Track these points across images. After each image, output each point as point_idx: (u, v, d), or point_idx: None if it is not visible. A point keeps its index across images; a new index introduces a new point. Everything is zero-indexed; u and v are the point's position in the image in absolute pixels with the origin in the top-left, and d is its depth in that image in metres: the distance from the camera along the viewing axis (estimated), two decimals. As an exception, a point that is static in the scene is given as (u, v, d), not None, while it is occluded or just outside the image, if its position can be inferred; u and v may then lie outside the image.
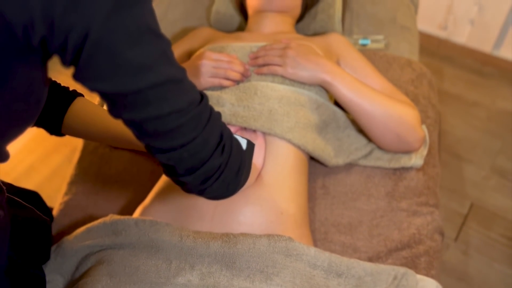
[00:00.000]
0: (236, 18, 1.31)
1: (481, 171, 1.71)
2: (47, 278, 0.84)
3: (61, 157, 1.82)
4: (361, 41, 1.27)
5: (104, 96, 0.50)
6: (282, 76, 0.97)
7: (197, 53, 1.02)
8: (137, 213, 0.91)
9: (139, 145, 0.83)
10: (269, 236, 0.78)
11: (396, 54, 1.26)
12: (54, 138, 1.80)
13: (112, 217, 0.86)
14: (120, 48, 0.46)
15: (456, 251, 1.51)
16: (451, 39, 2.05)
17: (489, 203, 1.62)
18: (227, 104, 0.93)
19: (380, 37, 1.27)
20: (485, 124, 1.85)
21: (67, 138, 1.04)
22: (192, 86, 0.56)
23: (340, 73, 0.96)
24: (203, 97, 0.58)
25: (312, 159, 1.03)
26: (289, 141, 0.91)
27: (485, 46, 2.00)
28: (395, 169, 1.03)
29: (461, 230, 1.56)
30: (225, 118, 0.92)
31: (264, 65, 0.99)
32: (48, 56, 0.50)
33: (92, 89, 0.50)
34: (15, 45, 0.46)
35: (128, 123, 0.53)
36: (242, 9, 1.25)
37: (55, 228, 1.04)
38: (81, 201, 1.08)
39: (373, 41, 1.27)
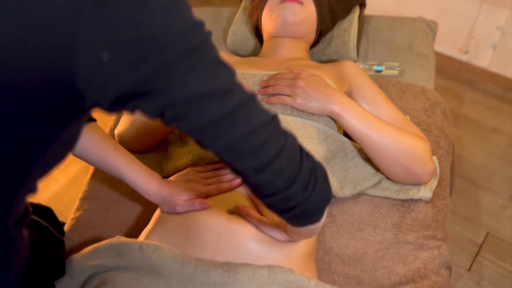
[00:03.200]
0: (252, 41, 1.33)
1: (498, 199, 1.67)
2: None
3: (79, 167, 1.86)
4: (375, 67, 1.27)
5: (195, 131, 0.52)
6: (292, 106, 0.97)
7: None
8: (142, 236, 0.93)
9: (134, 182, 0.89)
10: (269, 267, 0.78)
11: (411, 81, 1.25)
12: (73, 150, 1.85)
13: (119, 239, 0.88)
14: (204, 84, 0.49)
15: (469, 282, 1.47)
16: (473, 62, 2.03)
17: (505, 233, 1.58)
18: None
19: (395, 63, 1.27)
20: (505, 151, 1.82)
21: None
22: (262, 106, 0.58)
23: (350, 104, 0.96)
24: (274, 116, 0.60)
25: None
26: None
27: (507, 71, 1.96)
28: (403, 201, 1.02)
29: (475, 260, 1.52)
30: None
31: (274, 94, 1.00)
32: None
33: (185, 130, 0.52)
34: (78, 109, 0.48)
35: (225, 151, 0.54)
36: (258, 33, 1.27)
37: (65, 243, 1.06)
38: (92, 218, 1.10)
39: (387, 67, 1.26)
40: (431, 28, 1.42)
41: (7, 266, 0.64)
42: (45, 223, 0.90)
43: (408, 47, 1.33)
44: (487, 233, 1.58)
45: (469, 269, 1.50)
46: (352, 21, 1.28)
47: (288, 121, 0.95)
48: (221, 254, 0.82)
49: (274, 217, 0.83)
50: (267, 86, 1.01)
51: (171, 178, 0.96)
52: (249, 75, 1.04)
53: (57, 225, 1.07)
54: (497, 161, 1.79)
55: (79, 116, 0.50)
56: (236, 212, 0.86)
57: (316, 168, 0.61)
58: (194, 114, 0.50)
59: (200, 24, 0.50)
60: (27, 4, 0.42)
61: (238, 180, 0.92)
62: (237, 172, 0.58)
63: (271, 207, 0.63)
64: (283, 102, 0.97)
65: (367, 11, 1.70)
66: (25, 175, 0.52)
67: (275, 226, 0.82)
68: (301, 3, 1.13)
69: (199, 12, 1.52)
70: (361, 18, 1.33)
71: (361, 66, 1.28)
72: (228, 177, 0.92)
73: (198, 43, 0.49)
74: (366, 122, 0.95)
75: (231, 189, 0.91)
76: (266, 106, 0.91)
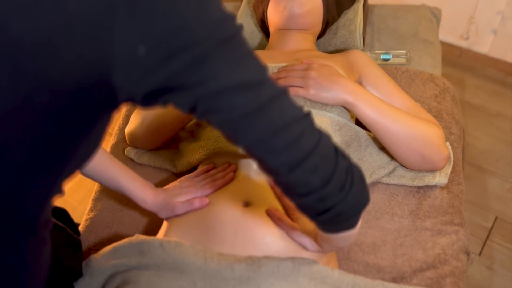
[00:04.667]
0: (257, 34, 1.32)
1: (505, 183, 1.68)
2: None
3: (85, 169, 1.85)
4: (382, 56, 1.26)
5: (229, 127, 0.52)
6: (304, 98, 0.97)
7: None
8: (160, 234, 0.93)
9: (131, 191, 0.90)
10: (293, 259, 0.78)
11: (418, 69, 1.25)
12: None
13: (138, 237, 0.87)
14: (236, 75, 0.48)
15: (480, 266, 1.48)
16: (473, 49, 2.03)
17: (514, 217, 1.59)
18: None
19: (402, 51, 1.27)
20: (509, 135, 1.82)
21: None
22: (293, 101, 0.56)
23: (363, 93, 0.96)
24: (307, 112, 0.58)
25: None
26: None
27: (508, 56, 1.97)
28: (419, 187, 1.02)
29: (485, 245, 1.53)
30: None
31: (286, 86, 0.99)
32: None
33: (218, 124, 0.51)
34: (111, 103, 0.48)
35: (257, 146, 0.53)
36: (263, 26, 1.26)
37: (81, 244, 1.06)
38: (107, 218, 1.10)
39: (394, 56, 1.26)
40: (434, 15, 1.42)
41: (35, 271, 0.63)
42: (62, 224, 0.89)
43: (414, 34, 1.33)
44: (496, 217, 1.59)
45: (479, 254, 1.51)
46: (357, 10, 1.28)
47: None
48: (241, 248, 0.82)
49: (306, 224, 0.82)
50: (278, 79, 1.01)
51: (166, 187, 0.96)
52: (259, 68, 1.04)
53: (72, 226, 1.07)
54: (502, 146, 1.79)
55: (111, 110, 0.50)
56: (268, 213, 0.84)
57: (352, 168, 0.58)
58: (226, 106, 0.49)
59: (232, 16, 0.50)
60: (62, 0, 0.41)
61: (231, 174, 0.92)
62: (269, 171, 0.56)
63: (304, 209, 0.60)
64: (296, 93, 0.97)
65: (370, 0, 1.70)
66: (58, 174, 0.52)
67: (306, 234, 0.80)
68: None
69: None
70: (366, 7, 1.33)
71: (370, 55, 1.28)
72: (221, 174, 0.93)
73: (231, 34, 0.49)
74: (380, 110, 0.95)
75: (226, 184, 0.91)
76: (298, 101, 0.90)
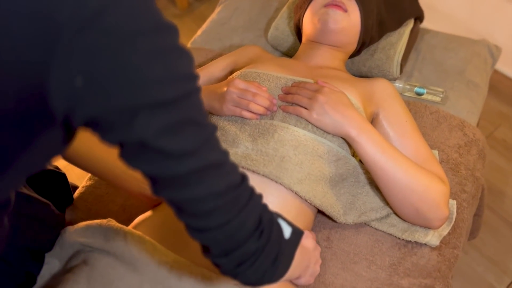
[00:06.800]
0: (291, 38, 1.27)
1: (533, 248, 1.54)
2: (47, 260, 0.89)
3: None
4: (416, 89, 1.17)
5: (146, 176, 0.53)
6: (306, 120, 0.92)
7: (229, 78, 1.00)
8: (137, 220, 0.94)
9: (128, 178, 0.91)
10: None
11: (452, 111, 1.15)
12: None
13: (109, 222, 0.89)
14: (163, 140, 0.48)
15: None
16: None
17: (531, 287, 1.46)
18: (241, 146, 0.91)
19: (439, 90, 1.17)
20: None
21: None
22: (234, 168, 0.57)
23: (368, 130, 0.90)
24: (243, 178, 0.58)
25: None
26: (296, 193, 0.87)
27: None
28: (408, 241, 0.95)
29: (489, 308, 1.43)
30: (236, 160, 0.89)
31: (292, 103, 0.95)
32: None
33: (134, 168, 0.52)
34: (50, 122, 0.48)
35: (168, 201, 0.55)
36: (298, 32, 1.21)
37: (71, 211, 1.10)
38: (100, 190, 1.13)
39: (429, 92, 1.17)
40: (492, 54, 1.29)
41: None
42: (45, 200, 0.92)
43: (460, 72, 1.22)
44: (511, 282, 1.47)
45: (480, 316, 1.41)
46: (402, 35, 1.19)
47: (299, 135, 0.91)
48: (202, 258, 0.82)
49: None
50: (288, 94, 0.97)
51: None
52: (274, 77, 1.00)
53: (67, 192, 1.11)
54: (543, 207, 1.64)
55: (51, 128, 0.49)
56: None
57: (264, 251, 0.59)
58: (146, 162, 0.50)
59: (187, 78, 0.49)
60: (9, 21, 0.41)
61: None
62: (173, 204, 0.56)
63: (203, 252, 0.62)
64: (299, 114, 0.93)
65: (430, 20, 1.57)
66: None
67: None
68: (346, 11, 1.06)
69: (250, -3, 1.47)
70: (414, 32, 1.23)
71: (401, 85, 1.19)
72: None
73: (172, 98, 0.47)
74: (381, 152, 0.89)
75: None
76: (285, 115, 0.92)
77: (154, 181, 0.53)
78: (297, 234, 0.65)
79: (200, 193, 0.52)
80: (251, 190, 0.59)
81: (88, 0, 0.42)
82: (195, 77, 0.50)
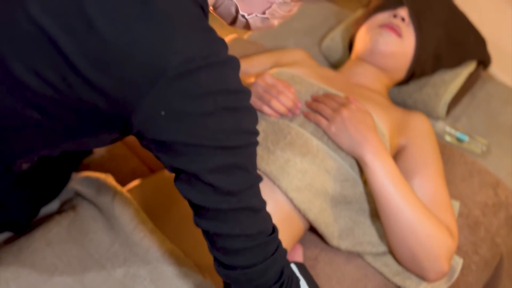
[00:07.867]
0: (343, 52, 1.24)
1: None
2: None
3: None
4: (458, 134, 1.09)
5: (192, 204, 0.60)
6: (324, 131, 0.89)
7: (261, 72, 0.99)
8: (131, 184, 0.95)
9: None
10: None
11: (489, 168, 1.06)
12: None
13: (107, 178, 0.90)
14: (215, 177, 0.56)
15: None
16: None
17: None
18: None
19: (483, 141, 1.08)
20: None
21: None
22: (268, 218, 0.63)
23: (384, 159, 0.85)
24: (274, 230, 0.63)
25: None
26: (291, 200, 0.84)
27: None
28: (398, 286, 0.88)
29: None
30: None
31: (316, 111, 0.92)
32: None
33: (184, 196, 0.59)
34: (126, 131, 0.58)
35: (205, 232, 0.61)
36: (350, 48, 1.17)
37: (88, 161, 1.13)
38: (118, 150, 1.15)
39: (472, 141, 1.08)
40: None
41: None
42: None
43: (512, 130, 1.13)
44: None
45: None
46: (458, 75, 1.12)
47: (312, 144, 0.87)
48: (178, 237, 0.81)
49: None
50: (314, 101, 0.94)
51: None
52: (306, 82, 0.97)
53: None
54: None
55: (117, 131, 0.60)
56: None
57: None
58: (196, 192, 0.58)
59: (251, 133, 0.59)
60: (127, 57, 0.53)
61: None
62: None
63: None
64: (318, 122, 0.89)
65: (499, 65, 1.44)
66: (55, 145, 0.65)
67: None
68: (400, 36, 1.01)
69: (319, 5, 1.45)
70: (474, 76, 1.15)
71: (442, 126, 1.12)
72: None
73: (234, 145, 0.56)
74: (392, 184, 0.84)
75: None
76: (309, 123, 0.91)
77: (197, 210, 0.60)
78: None
79: (234, 230, 0.58)
80: (279, 243, 0.63)
81: (190, 59, 0.52)
82: (257, 133, 0.59)
